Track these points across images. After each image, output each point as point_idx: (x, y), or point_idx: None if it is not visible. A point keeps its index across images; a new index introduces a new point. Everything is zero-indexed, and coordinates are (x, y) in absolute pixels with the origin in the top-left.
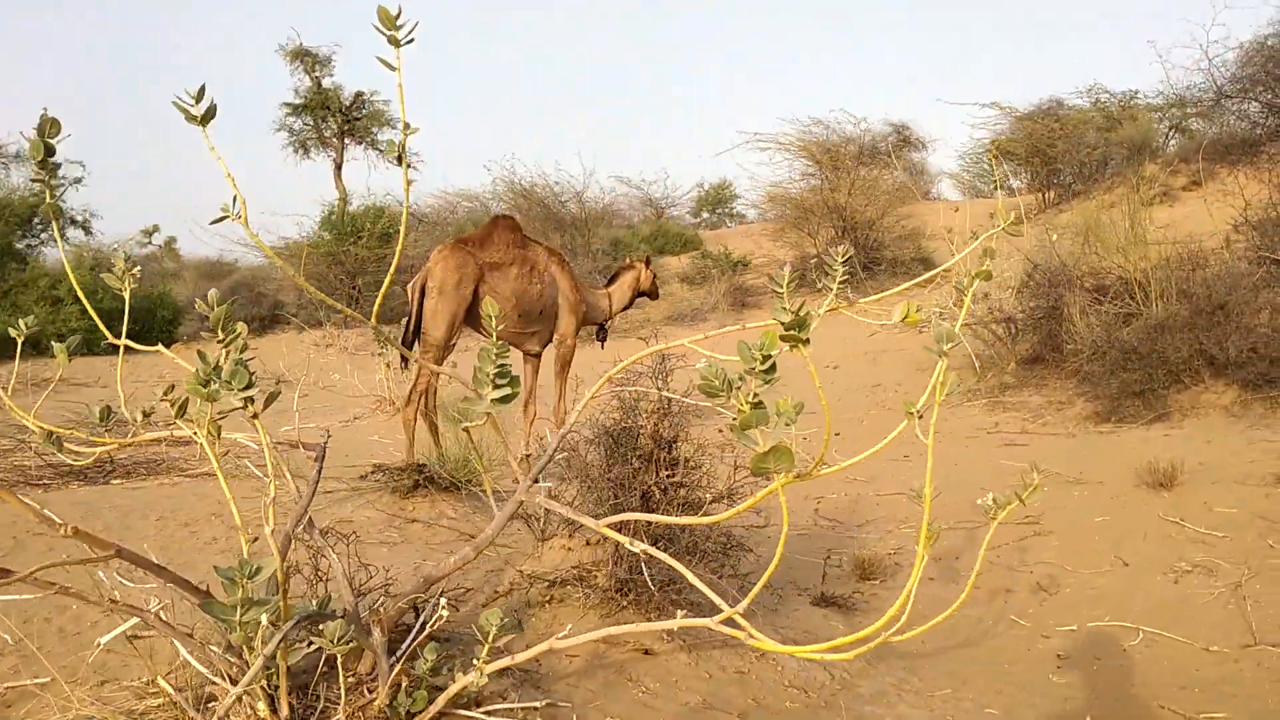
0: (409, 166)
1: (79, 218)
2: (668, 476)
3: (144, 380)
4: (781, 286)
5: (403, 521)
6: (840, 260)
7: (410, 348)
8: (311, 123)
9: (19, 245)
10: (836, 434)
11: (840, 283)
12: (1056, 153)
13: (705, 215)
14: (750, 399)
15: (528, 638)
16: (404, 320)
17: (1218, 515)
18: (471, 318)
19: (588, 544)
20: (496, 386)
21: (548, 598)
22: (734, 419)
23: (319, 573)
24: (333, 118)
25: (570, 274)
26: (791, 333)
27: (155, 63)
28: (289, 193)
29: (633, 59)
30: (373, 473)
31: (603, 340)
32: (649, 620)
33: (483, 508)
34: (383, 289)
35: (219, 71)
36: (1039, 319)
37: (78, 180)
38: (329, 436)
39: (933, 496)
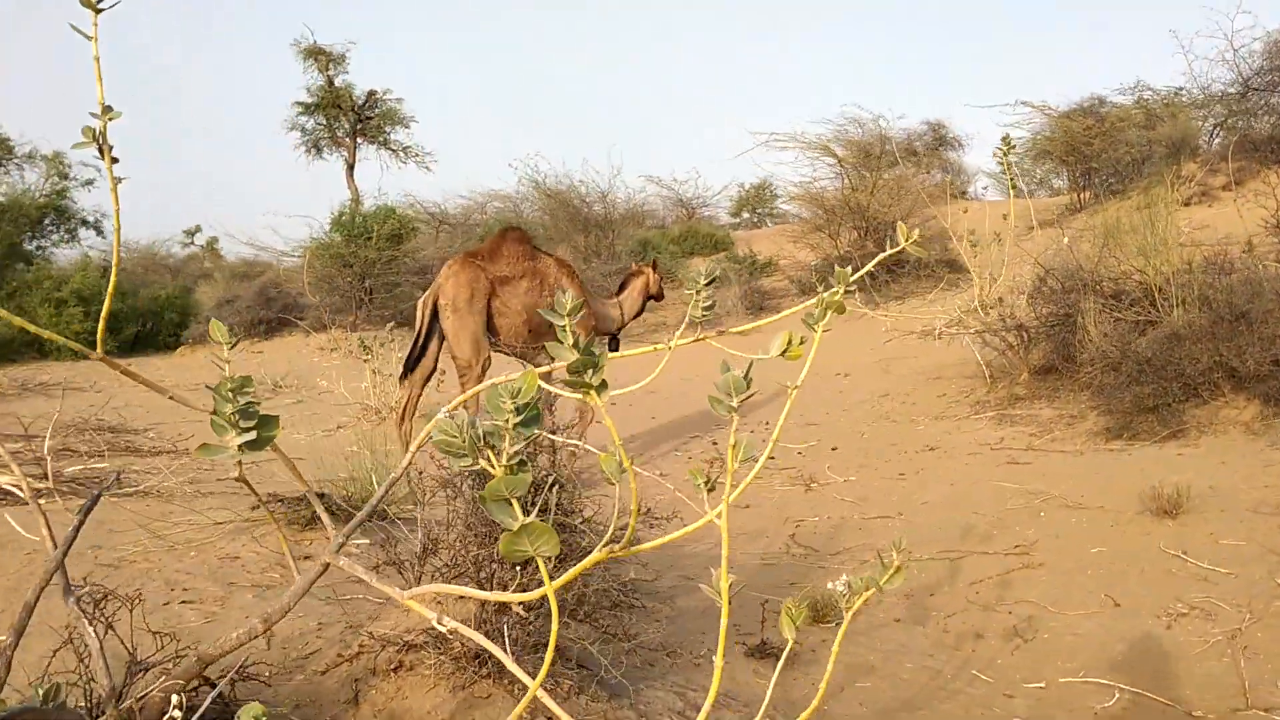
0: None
1: (91, 219)
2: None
3: (143, 387)
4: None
5: (294, 559)
6: (844, 284)
7: (416, 364)
8: (324, 122)
9: (29, 246)
10: (834, 448)
11: (845, 290)
12: (1092, 151)
13: (745, 215)
14: (507, 460)
15: (363, 713)
16: (414, 339)
17: (1224, 548)
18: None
19: (458, 599)
20: (241, 430)
21: (395, 664)
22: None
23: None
24: (344, 117)
25: (580, 285)
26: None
27: (169, 62)
28: (300, 193)
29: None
30: (267, 502)
31: (616, 349)
32: (510, 693)
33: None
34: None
35: (231, 69)
36: (1052, 326)
37: (90, 181)
38: (115, 479)
39: (916, 517)
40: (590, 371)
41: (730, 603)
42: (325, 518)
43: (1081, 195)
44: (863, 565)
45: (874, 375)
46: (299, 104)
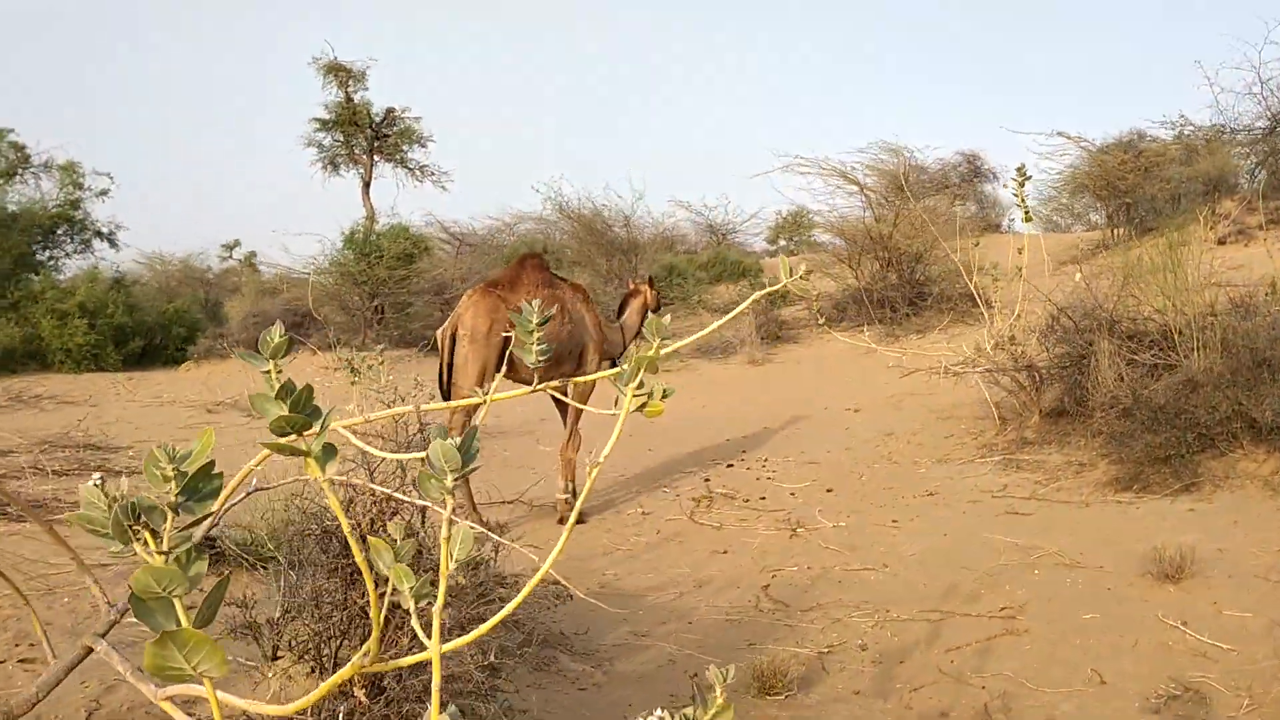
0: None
1: (105, 230)
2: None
3: (141, 400)
4: None
5: (48, 638)
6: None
7: (447, 396)
8: (341, 138)
9: (41, 256)
10: (829, 490)
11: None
12: (1127, 185)
13: (782, 243)
14: (169, 543)
15: None
16: (439, 371)
17: (1227, 621)
18: (503, 364)
19: (310, 673)
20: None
21: None
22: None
23: None
24: (361, 134)
25: (595, 311)
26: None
27: (184, 72)
28: (313, 210)
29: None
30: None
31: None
32: None
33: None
34: None
35: (247, 83)
36: (1064, 367)
37: (104, 192)
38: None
39: (901, 571)
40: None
41: (673, 665)
42: (96, 590)
43: (1116, 231)
44: (832, 625)
45: (884, 412)
46: (316, 120)
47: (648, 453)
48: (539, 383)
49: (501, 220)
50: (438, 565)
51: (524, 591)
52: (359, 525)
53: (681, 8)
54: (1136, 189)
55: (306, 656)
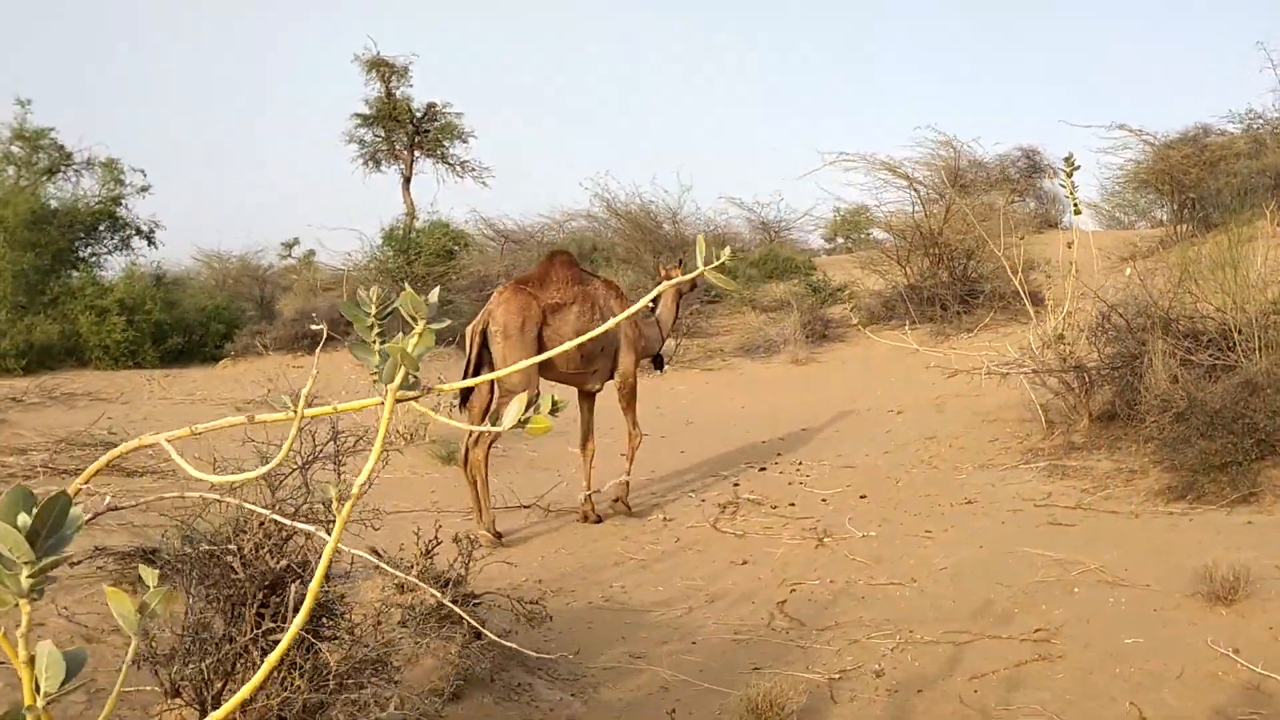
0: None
1: (144, 227)
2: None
3: (174, 398)
4: None
5: (102, 631)
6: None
7: (467, 393)
8: (383, 134)
9: (83, 254)
10: (863, 496)
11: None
12: (1191, 180)
13: (840, 240)
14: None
15: None
16: (464, 367)
17: None
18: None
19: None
20: None
21: None
22: None
23: None
24: (402, 129)
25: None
26: None
27: (225, 71)
28: (353, 205)
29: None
30: (94, 554)
31: (661, 368)
32: None
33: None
34: None
35: (286, 77)
36: (1115, 368)
37: (145, 188)
38: None
39: (930, 586)
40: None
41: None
42: None
43: (1180, 228)
44: (849, 647)
45: (927, 414)
46: (358, 115)
47: (680, 455)
48: (571, 380)
49: (551, 218)
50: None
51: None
52: (242, 549)
53: (732, 4)
54: (1201, 184)
55: (195, 696)
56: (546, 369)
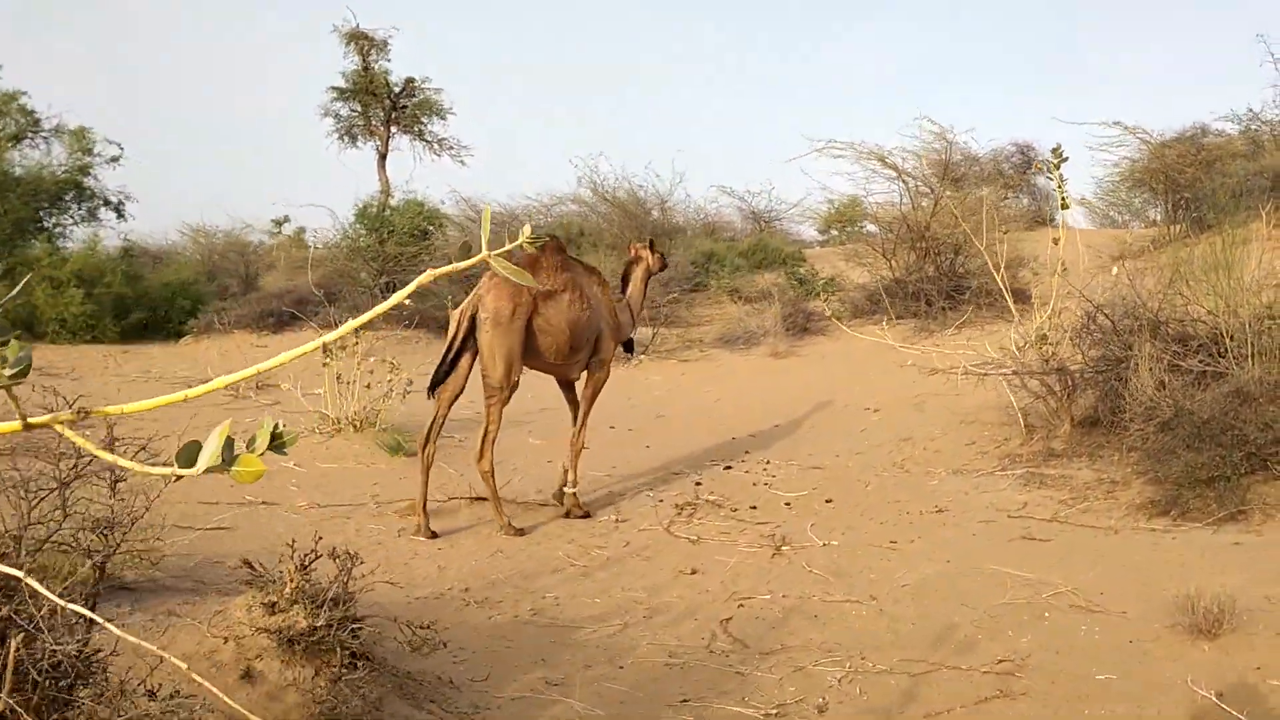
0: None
1: (113, 199)
2: None
3: (128, 374)
4: None
5: None
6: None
7: (445, 378)
8: (359, 108)
9: (48, 224)
10: (828, 500)
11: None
12: (1187, 180)
13: (834, 232)
14: None
15: None
16: (445, 351)
17: (1273, 693)
18: (524, 352)
19: None
20: None
21: None
22: None
23: None
24: (379, 104)
25: (609, 295)
26: None
27: (193, 40)
28: (325, 182)
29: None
30: None
31: (631, 351)
32: None
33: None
34: None
35: (261, 50)
36: (1100, 372)
37: (115, 159)
38: None
39: (889, 605)
40: None
41: None
42: None
43: (1173, 228)
44: (793, 675)
45: (905, 413)
46: (334, 89)
47: (645, 450)
48: (555, 371)
49: (539, 201)
50: None
51: None
52: None
53: None
54: (1196, 183)
55: None
56: (533, 358)
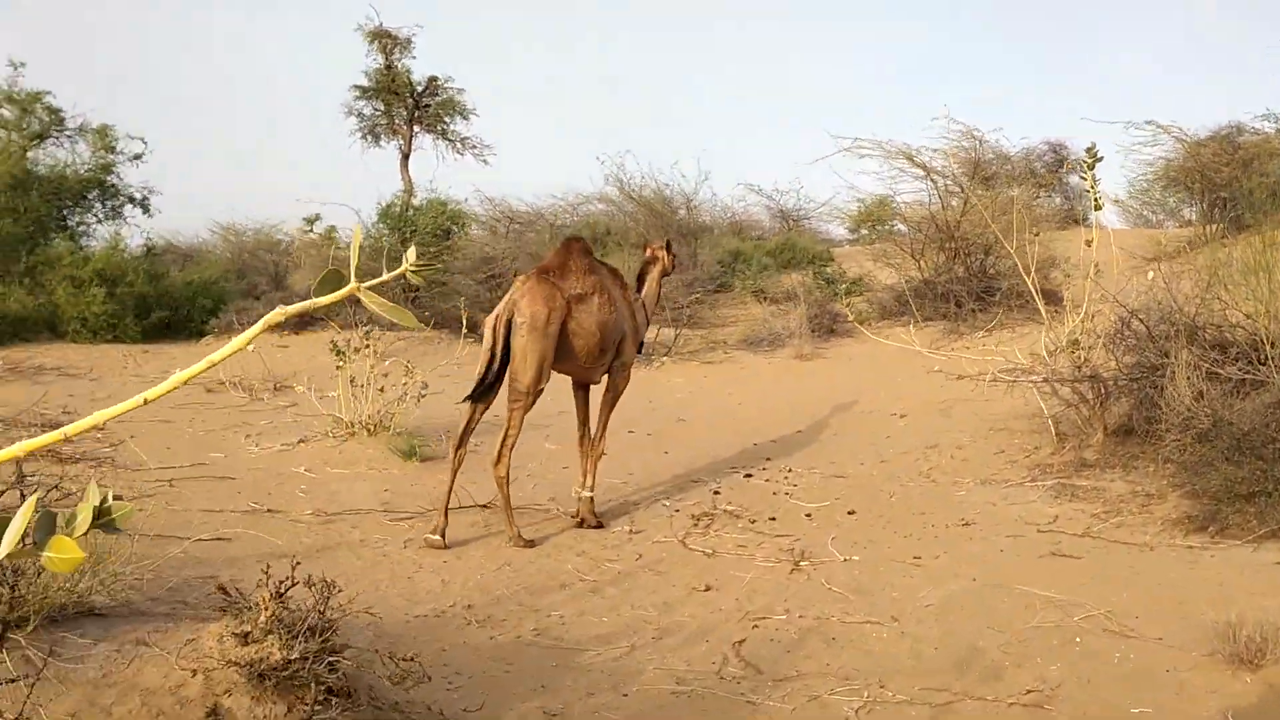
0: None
1: (137, 195)
2: None
3: (147, 375)
4: None
5: None
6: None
7: (490, 389)
8: (382, 108)
9: (71, 222)
10: (851, 512)
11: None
12: (1223, 179)
13: (863, 231)
14: None
15: None
16: (486, 361)
17: None
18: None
19: None
20: None
21: None
22: None
23: None
24: (401, 103)
25: (629, 296)
26: None
27: (219, 36)
28: (348, 181)
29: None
30: None
31: (640, 351)
32: None
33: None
34: None
35: (285, 47)
36: (1134, 379)
37: (138, 156)
38: None
39: (911, 626)
40: None
41: None
42: None
43: (1210, 228)
44: (807, 705)
45: (932, 419)
46: (357, 88)
47: (664, 455)
48: (579, 375)
49: (565, 200)
50: None
51: None
52: None
53: None
54: (1233, 183)
55: None
56: (562, 363)
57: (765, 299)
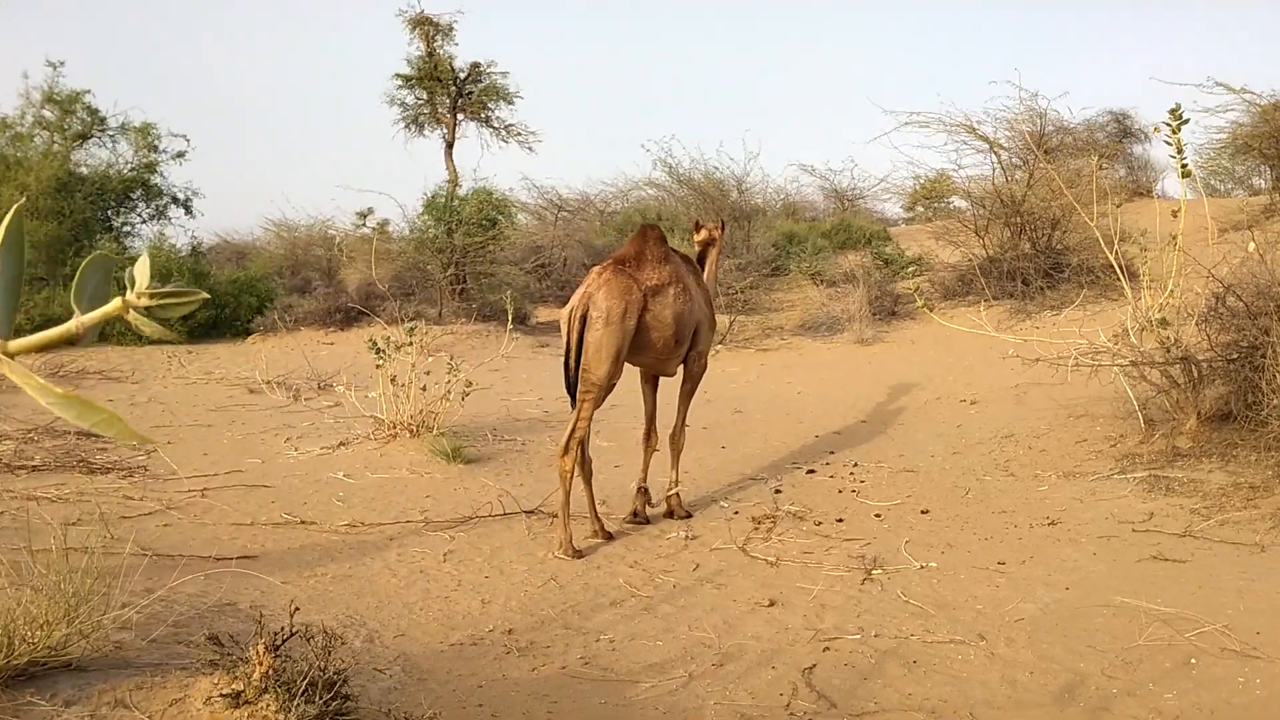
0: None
1: (180, 195)
2: None
3: (190, 376)
4: None
5: None
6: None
7: (573, 385)
8: (425, 96)
9: (115, 222)
10: (924, 511)
11: None
12: None
13: (919, 209)
14: None
15: None
16: (567, 357)
17: None
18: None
19: None
20: None
21: None
22: None
23: None
24: (444, 90)
25: (703, 283)
26: None
27: (262, 34)
28: (394, 172)
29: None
30: None
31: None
32: None
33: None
34: None
35: (321, 37)
36: (1230, 361)
37: (181, 154)
38: None
39: (1000, 647)
40: None
41: None
42: None
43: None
44: None
45: (1005, 406)
46: (399, 76)
47: (720, 450)
48: (654, 367)
49: (615, 186)
50: None
51: None
52: None
53: None
54: None
55: None
56: (640, 354)
57: (822, 282)
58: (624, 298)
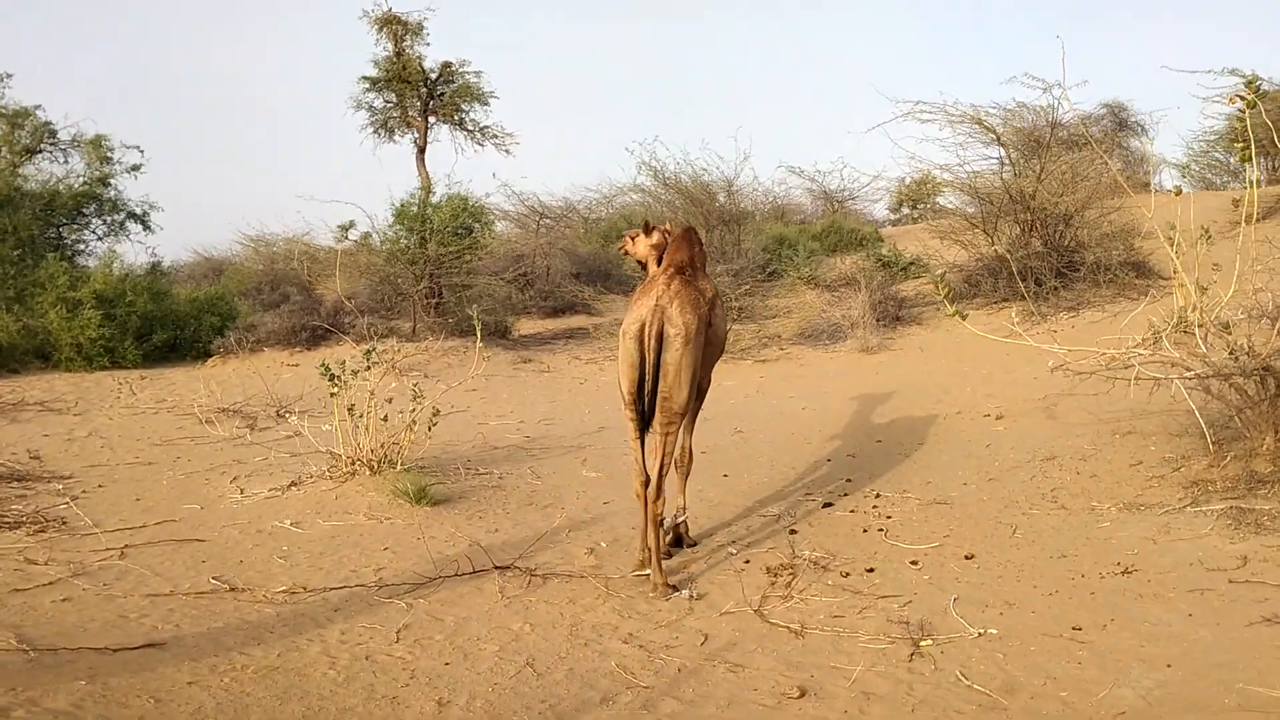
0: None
1: (137, 210)
2: None
3: (137, 406)
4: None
5: None
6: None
7: (647, 416)
8: (394, 98)
9: (67, 239)
10: (968, 557)
11: None
12: None
13: (905, 211)
14: None
15: None
16: (638, 381)
17: None
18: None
19: None
20: None
21: None
22: None
23: None
24: (414, 92)
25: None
26: None
27: (219, 37)
28: (362, 180)
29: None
30: None
31: None
32: None
33: None
34: None
35: (287, 41)
36: None
37: (136, 168)
38: None
39: None
40: None
41: None
42: None
43: None
44: None
45: (1037, 420)
46: (366, 78)
47: (722, 480)
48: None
49: (600, 192)
50: None
51: None
52: None
53: None
54: None
55: None
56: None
57: (819, 286)
58: (697, 311)
